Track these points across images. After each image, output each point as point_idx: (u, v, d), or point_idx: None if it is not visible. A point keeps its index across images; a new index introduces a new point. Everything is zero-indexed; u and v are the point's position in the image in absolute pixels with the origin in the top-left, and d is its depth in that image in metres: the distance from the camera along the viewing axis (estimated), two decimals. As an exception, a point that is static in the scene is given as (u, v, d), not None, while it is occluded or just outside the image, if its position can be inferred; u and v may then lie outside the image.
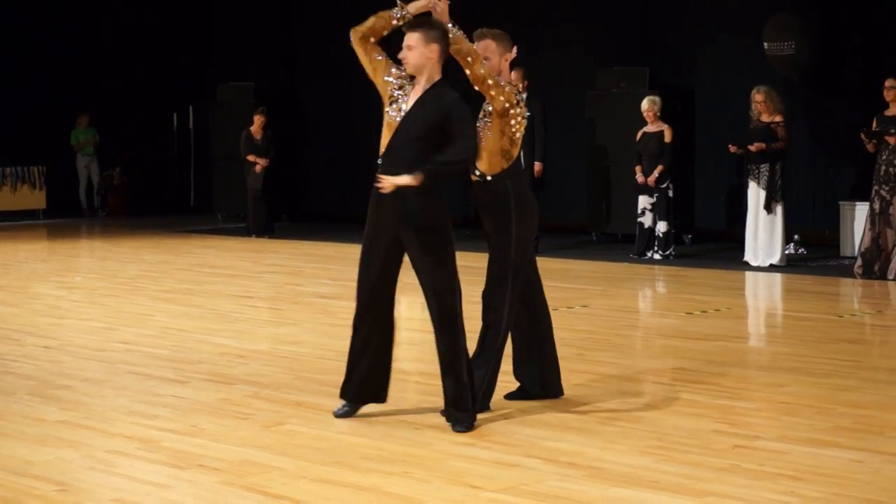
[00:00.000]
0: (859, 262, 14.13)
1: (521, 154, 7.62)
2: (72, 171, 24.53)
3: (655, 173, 15.95)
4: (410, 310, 11.06)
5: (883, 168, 14.01)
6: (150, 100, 24.61)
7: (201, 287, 13.72)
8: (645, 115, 16.16)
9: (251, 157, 19.72)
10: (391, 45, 7.27)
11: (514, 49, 7.52)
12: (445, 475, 6.11)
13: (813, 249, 16.42)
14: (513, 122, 7.36)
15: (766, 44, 16.46)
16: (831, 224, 16.45)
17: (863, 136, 14.14)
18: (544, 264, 15.61)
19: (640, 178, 16.11)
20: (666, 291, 14.05)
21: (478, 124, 7.34)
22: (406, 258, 7.13)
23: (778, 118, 15.00)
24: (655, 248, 16.09)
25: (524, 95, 7.59)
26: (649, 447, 6.63)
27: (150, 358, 9.37)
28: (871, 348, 10.36)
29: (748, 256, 15.26)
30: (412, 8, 7.22)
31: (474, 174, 7.42)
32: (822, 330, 10.76)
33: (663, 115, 16.21)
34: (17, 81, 24.97)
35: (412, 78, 7.13)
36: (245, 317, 11.61)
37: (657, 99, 16.24)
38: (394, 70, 7.19)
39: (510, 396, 7.70)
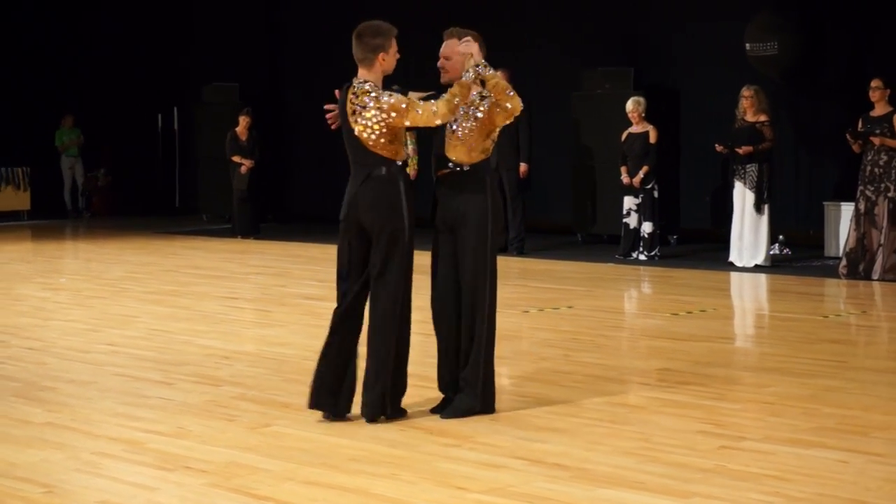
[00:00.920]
0: (844, 262, 14.17)
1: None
2: (56, 172, 24.51)
3: (640, 174, 15.97)
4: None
5: (868, 168, 14.05)
6: (135, 101, 24.59)
7: (187, 288, 13.70)
8: (630, 115, 16.18)
9: (236, 158, 19.71)
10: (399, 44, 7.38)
11: (481, 52, 7.41)
12: (432, 476, 6.12)
13: (797, 250, 16.46)
14: (500, 128, 7.40)
15: (748, 45, 16.47)
16: (815, 224, 16.50)
17: (848, 136, 14.17)
18: (529, 265, 15.76)
19: (625, 178, 16.13)
20: (651, 292, 14.07)
21: (465, 124, 7.31)
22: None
23: (763, 118, 15.03)
24: (641, 249, 16.11)
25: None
26: (635, 448, 6.64)
27: (135, 359, 9.36)
28: (856, 349, 10.39)
29: (733, 257, 15.29)
30: (471, 75, 7.27)
31: (446, 167, 7.38)
32: (807, 330, 10.78)
33: (648, 116, 16.22)
34: (1, 82, 24.93)
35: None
36: (231, 318, 11.60)
37: (642, 100, 16.26)
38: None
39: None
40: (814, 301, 12.97)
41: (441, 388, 7.50)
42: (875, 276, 13.87)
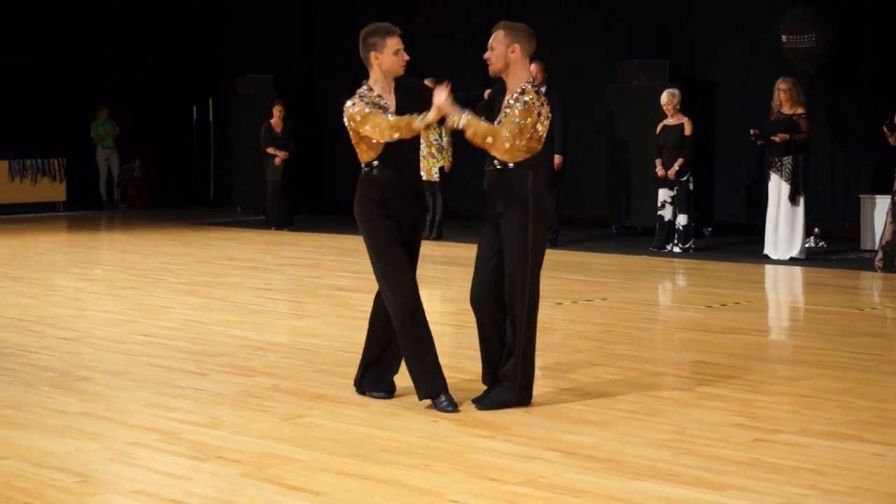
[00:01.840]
0: (880, 255, 14.08)
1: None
2: (92, 163, 24.61)
3: (675, 166, 15.91)
4: (430, 302, 11.05)
5: (904, 161, 13.97)
6: (170, 92, 24.67)
7: (221, 279, 13.74)
8: (665, 108, 16.12)
9: (271, 150, 19.73)
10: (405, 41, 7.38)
11: (528, 44, 7.40)
12: (465, 468, 6.11)
13: (833, 243, 16.37)
14: (538, 125, 7.34)
15: (784, 37, 16.38)
16: (851, 217, 16.41)
17: (885, 128, 14.09)
18: (564, 257, 15.71)
19: (660, 171, 16.07)
20: (685, 284, 14.02)
21: (508, 119, 7.29)
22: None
23: (800, 110, 14.97)
24: (675, 241, 16.05)
25: (544, 88, 7.55)
26: (669, 440, 6.62)
27: (169, 350, 9.40)
28: (892, 342, 10.31)
29: (768, 249, 15.22)
30: (430, 117, 7.23)
31: (492, 164, 7.39)
32: (843, 323, 10.72)
33: (683, 108, 16.16)
34: (36, 75, 25.06)
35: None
36: (265, 309, 11.63)
37: (677, 92, 16.20)
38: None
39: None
40: (849, 294, 12.90)
41: (484, 380, 7.54)
42: (911, 270, 13.80)
